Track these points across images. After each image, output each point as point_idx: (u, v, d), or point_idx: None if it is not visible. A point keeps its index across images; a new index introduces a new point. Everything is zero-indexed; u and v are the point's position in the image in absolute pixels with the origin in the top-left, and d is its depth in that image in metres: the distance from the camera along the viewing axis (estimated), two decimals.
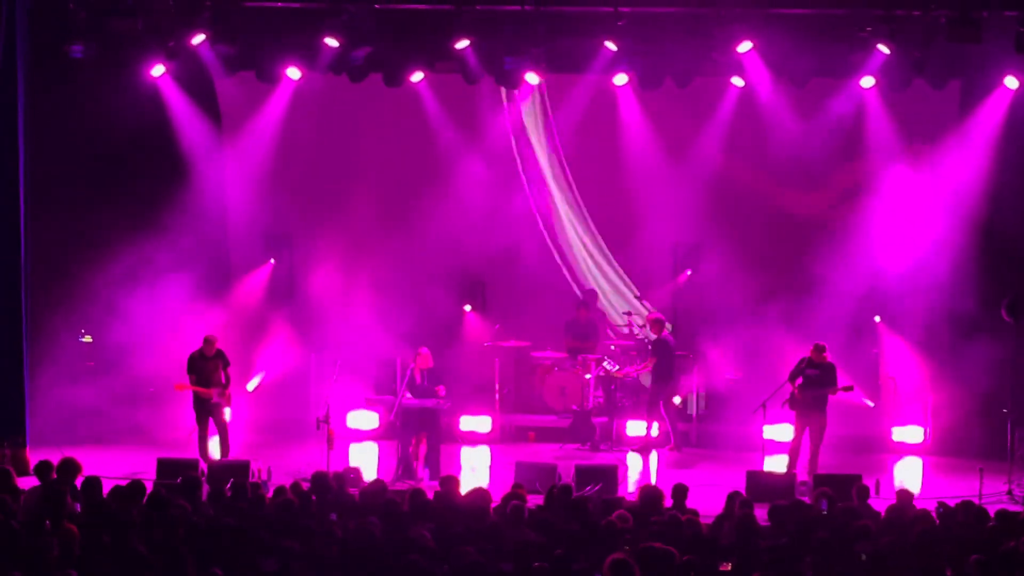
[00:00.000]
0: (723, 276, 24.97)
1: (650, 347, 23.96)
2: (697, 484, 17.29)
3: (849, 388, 21.30)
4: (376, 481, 16.53)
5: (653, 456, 23.31)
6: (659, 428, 23.76)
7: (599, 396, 24.29)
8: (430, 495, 15.85)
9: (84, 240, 23.73)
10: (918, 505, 15.82)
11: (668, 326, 23.98)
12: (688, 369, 24.49)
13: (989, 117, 23.76)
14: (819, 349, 21.14)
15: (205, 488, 16.41)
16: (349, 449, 23.51)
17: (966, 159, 23.99)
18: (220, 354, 21.75)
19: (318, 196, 26.02)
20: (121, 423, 23.41)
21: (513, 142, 26.11)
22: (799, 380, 21.11)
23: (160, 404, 23.07)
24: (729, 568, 13.40)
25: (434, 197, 25.80)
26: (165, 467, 19.94)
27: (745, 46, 22.04)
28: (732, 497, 15.79)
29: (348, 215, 25.97)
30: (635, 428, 23.91)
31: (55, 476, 16.13)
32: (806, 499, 16.82)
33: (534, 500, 16.02)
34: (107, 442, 22.66)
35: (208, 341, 21.70)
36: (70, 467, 16.17)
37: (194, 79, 24.15)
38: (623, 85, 23.86)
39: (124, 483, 15.75)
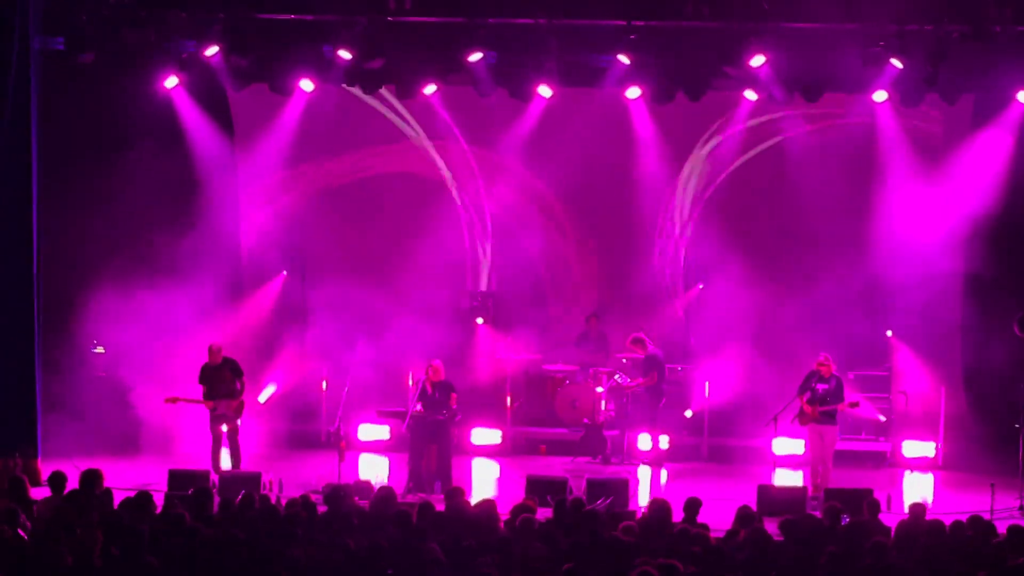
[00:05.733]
0: (735, 290, 24.96)
1: (645, 364, 23.91)
2: (707, 498, 17.24)
3: (855, 404, 21.28)
4: (385, 488, 16.49)
5: (663, 470, 23.33)
6: (669, 441, 23.78)
7: (610, 409, 24.28)
8: (440, 508, 15.84)
9: (96, 251, 23.74)
10: (929, 520, 15.78)
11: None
12: (699, 382, 24.49)
13: (1001, 131, 23.75)
14: (823, 363, 21.12)
15: (216, 499, 16.40)
16: (360, 461, 23.52)
17: (978, 173, 23.98)
18: (228, 363, 21.74)
19: (330, 207, 26.05)
20: (132, 434, 23.44)
21: None
22: (807, 395, 21.08)
23: (171, 415, 23.07)
24: None
25: (446, 209, 25.84)
26: (176, 478, 19.96)
27: (758, 60, 22.04)
28: (742, 511, 15.76)
29: (360, 227, 26.01)
30: (646, 442, 23.90)
31: (79, 487, 16.06)
32: (817, 513, 16.80)
33: (544, 513, 16.00)
34: (118, 453, 22.64)
35: (212, 350, 21.71)
36: (93, 478, 16.10)
37: (207, 91, 24.21)
38: (635, 98, 23.86)
39: (135, 494, 15.74)
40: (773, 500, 19.54)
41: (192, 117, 24.49)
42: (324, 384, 23.86)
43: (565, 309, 26.17)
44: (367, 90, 23.88)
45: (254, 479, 19.93)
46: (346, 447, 20.91)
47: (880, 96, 22.98)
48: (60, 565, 12.54)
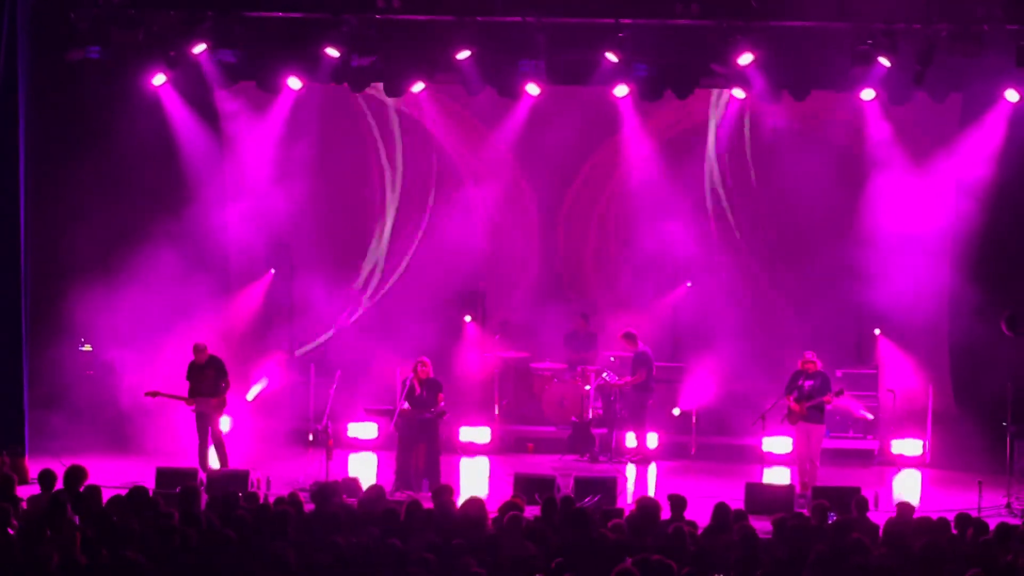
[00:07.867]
0: (722, 288, 24.98)
1: (633, 362, 23.93)
2: (696, 496, 17.25)
3: (840, 392, 21.30)
4: (374, 487, 16.48)
5: (652, 468, 23.35)
6: (658, 439, 23.81)
7: (598, 407, 24.27)
8: (429, 506, 15.82)
9: (84, 249, 23.69)
10: (918, 518, 15.78)
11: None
12: (686, 381, 24.52)
13: (989, 130, 23.79)
14: (809, 360, 21.13)
15: (204, 498, 16.38)
16: (348, 459, 23.49)
17: (966, 172, 24.01)
18: (213, 362, 21.71)
19: (318, 206, 26.02)
20: (120, 432, 23.39)
21: None
22: (794, 394, 21.09)
23: (159, 414, 23.03)
24: None
25: (434, 207, 25.83)
26: (164, 477, 19.93)
27: (746, 58, 22.06)
28: (720, 508, 15.68)
29: (347, 225, 25.99)
30: (634, 440, 23.89)
31: (60, 484, 16.05)
32: (805, 511, 16.81)
33: (532, 511, 15.99)
34: (106, 451, 22.59)
35: (197, 349, 21.70)
36: (77, 475, 16.08)
37: (195, 88, 24.16)
38: (624, 96, 23.87)
39: (123, 492, 15.71)
40: (761, 498, 19.56)
41: (180, 114, 24.45)
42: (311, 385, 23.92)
43: (553, 307, 26.12)
44: (355, 88, 23.86)
45: (242, 477, 19.92)
46: (334, 445, 20.88)
47: (868, 94, 23.01)
48: (47, 563, 12.50)
